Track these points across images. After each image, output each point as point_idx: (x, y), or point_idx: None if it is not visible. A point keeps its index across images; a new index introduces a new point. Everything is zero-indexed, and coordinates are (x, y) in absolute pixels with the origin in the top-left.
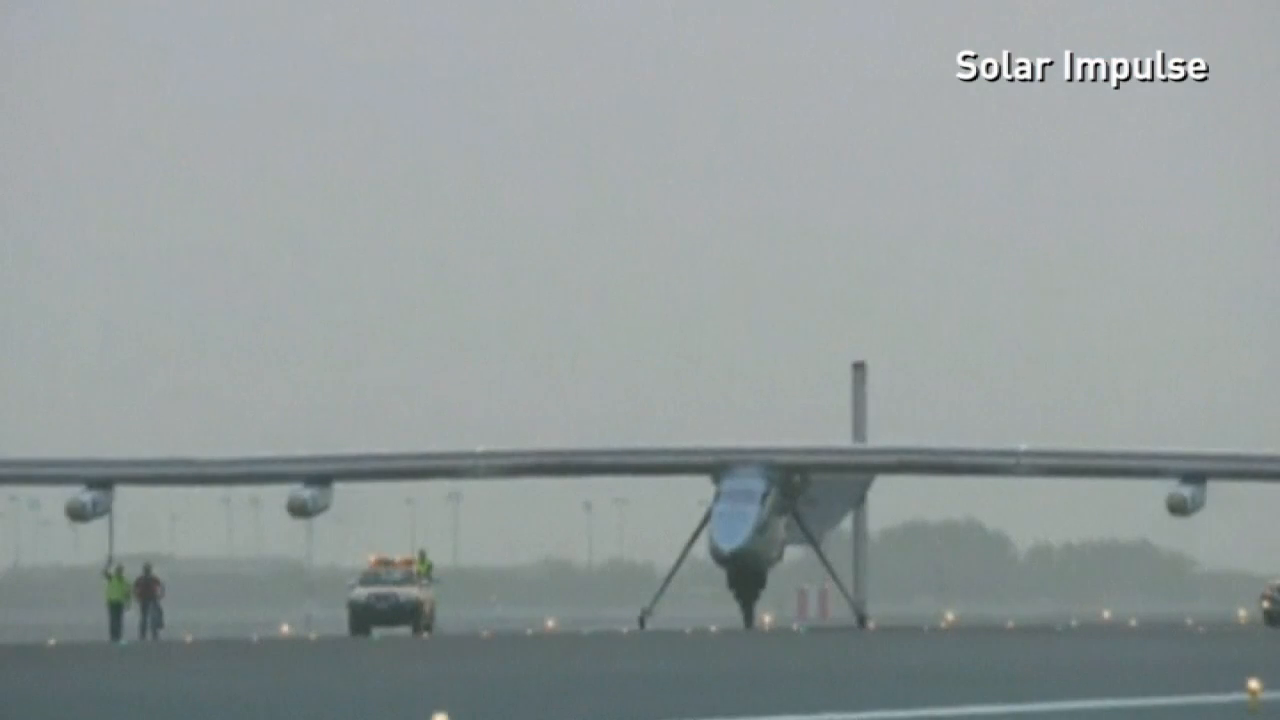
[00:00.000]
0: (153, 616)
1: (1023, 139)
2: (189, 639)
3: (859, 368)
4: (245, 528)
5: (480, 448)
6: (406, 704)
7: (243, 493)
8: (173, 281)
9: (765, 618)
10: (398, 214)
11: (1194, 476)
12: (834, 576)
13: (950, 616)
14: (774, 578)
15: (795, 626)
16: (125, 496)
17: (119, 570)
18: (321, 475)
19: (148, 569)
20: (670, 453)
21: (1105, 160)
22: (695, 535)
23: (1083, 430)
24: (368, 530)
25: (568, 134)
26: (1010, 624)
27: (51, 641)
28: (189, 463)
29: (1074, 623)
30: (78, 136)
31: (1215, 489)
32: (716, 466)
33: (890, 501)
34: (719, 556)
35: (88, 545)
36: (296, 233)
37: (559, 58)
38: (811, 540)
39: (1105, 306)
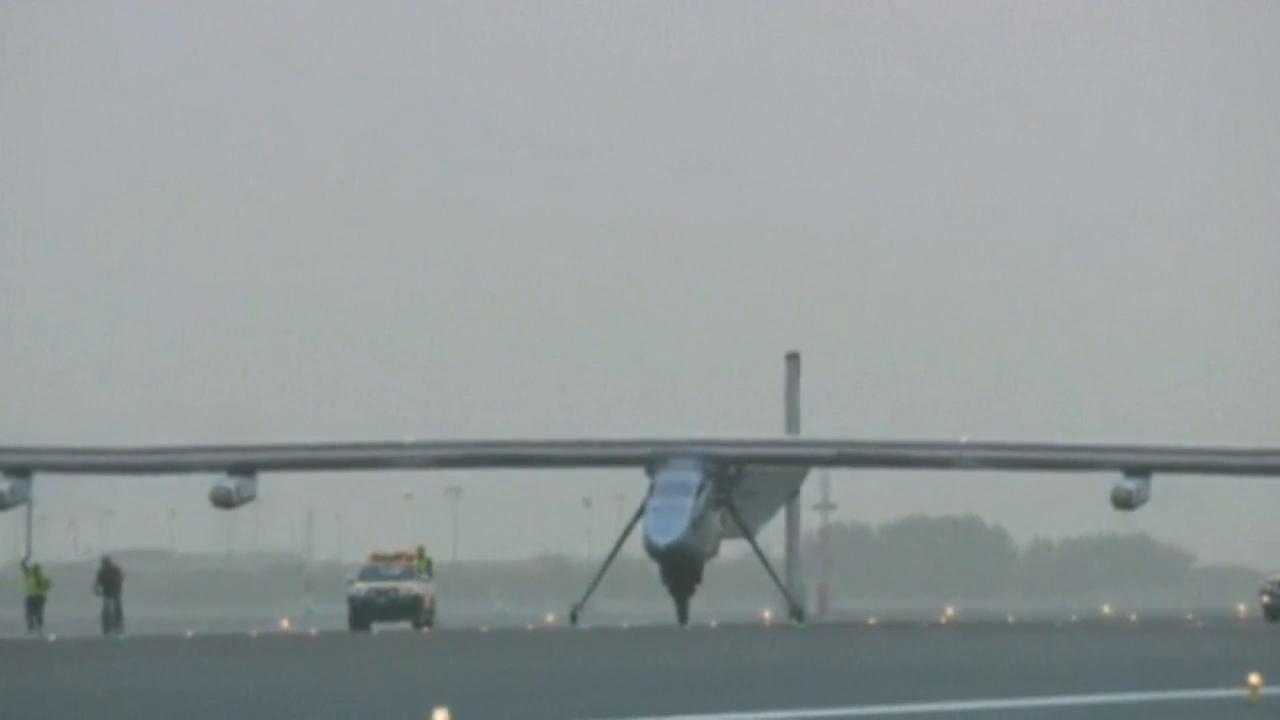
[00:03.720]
0: (114, 610)
1: (954, 125)
2: (189, 634)
3: (792, 358)
4: (245, 524)
5: (409, 438)
6: (407, 700)
7: None
8: (94, 268)
9: (765, 614)
10: (328, 201)
11: (1139, 469)
12: (770, 570)
13: (950, 612)
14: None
15: (794, 623)
16: (124, 493)
17: (36, 565)
18: (245, 465)
19: (107, 560)
20: (603, 444)
21: (1042, 145)
22: (628, 529)
23: (1023, 422)
24: (367, 526)
25: (502, 124)
26: (1010, 619)
27: (52, 637)
28: (110, 451)
29: (1074, 618)
30: None
31: (1214, 484)
32: (651, 459)
33: (890, 497)
34: (653, 551)
35: (86, 541)
36: (220, 220)
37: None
38: (747, 534)
39: (1046, 296)
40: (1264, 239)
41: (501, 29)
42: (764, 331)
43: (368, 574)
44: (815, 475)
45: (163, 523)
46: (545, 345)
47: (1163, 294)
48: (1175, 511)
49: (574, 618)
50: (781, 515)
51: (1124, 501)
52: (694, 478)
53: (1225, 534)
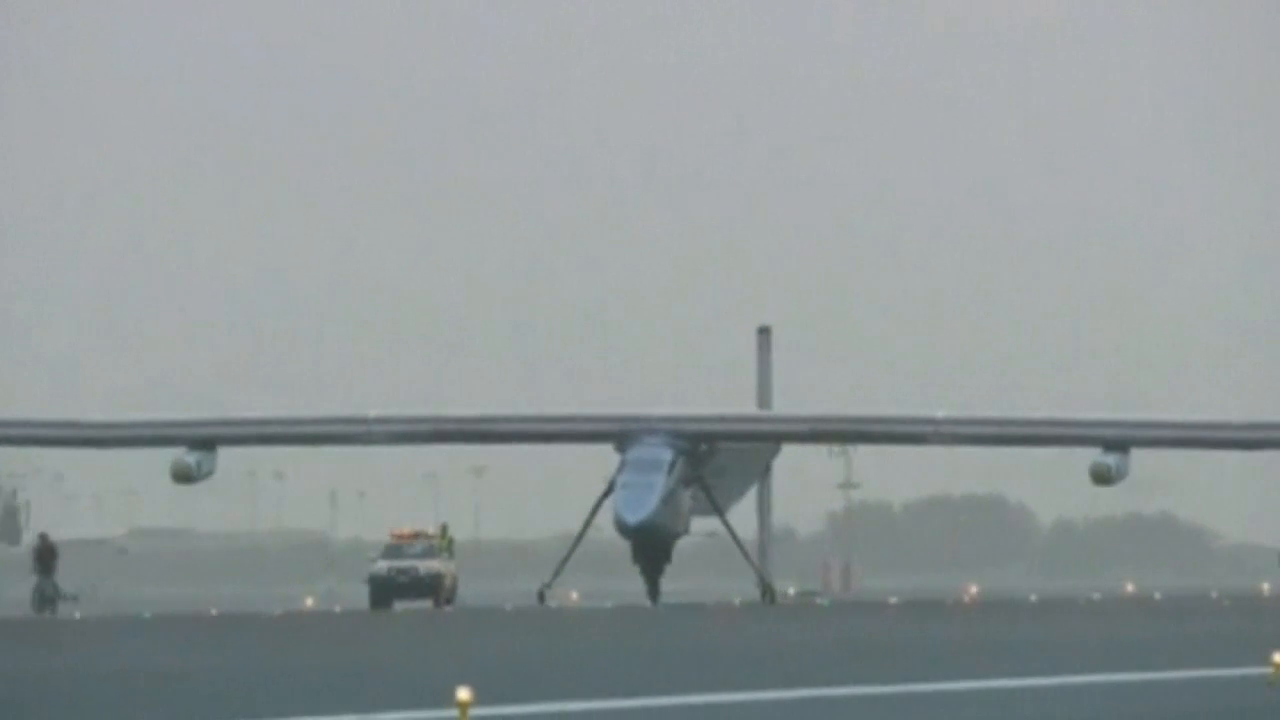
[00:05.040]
0: (49, 588)
1: (924, 96)
2: (213, 612)
3: (764, 332)
4: (267, 502)
5: (373, 413)
6: (429, 677)
7: (266, 466)
8: (59, 240)
9: (790, 590)
10: (293, 177)
11: (1117, 444)
12: (741, 548)
13: (973, 590)
14: (793, 550)
15: (819, 600)
16: (141, 472)
17: None
18: (206, 439)
19: (44, 537)
20: (572, 420)
21: (1015, 121)
22: (597, 506)
23: (999, 397)
24: (390, 504)
25: (465, 102)
26: (1033, 598)
27: (77, 615)
28: (70, 424)
29: (1097, 596)
30: None
31: (1238, 462)
32: (620, 435)
33: (913, 476)
34: (623, 529)
35: (111, 518)
36: (186, 193)
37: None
38: (718, 511)
39: (1023, 271)
40: (1244, 211)
41: (477, 18)
42: (735, 305)
43: (389, 552)
44: (839, 455)
45: (185, 500)
46: (512, 319)
47: (1141, 268)
48: (1199, 489)
49: (541, 597)
50: (819, 500)
51: (1103, 477)
52: (665, 454)
53: (1249, 512)
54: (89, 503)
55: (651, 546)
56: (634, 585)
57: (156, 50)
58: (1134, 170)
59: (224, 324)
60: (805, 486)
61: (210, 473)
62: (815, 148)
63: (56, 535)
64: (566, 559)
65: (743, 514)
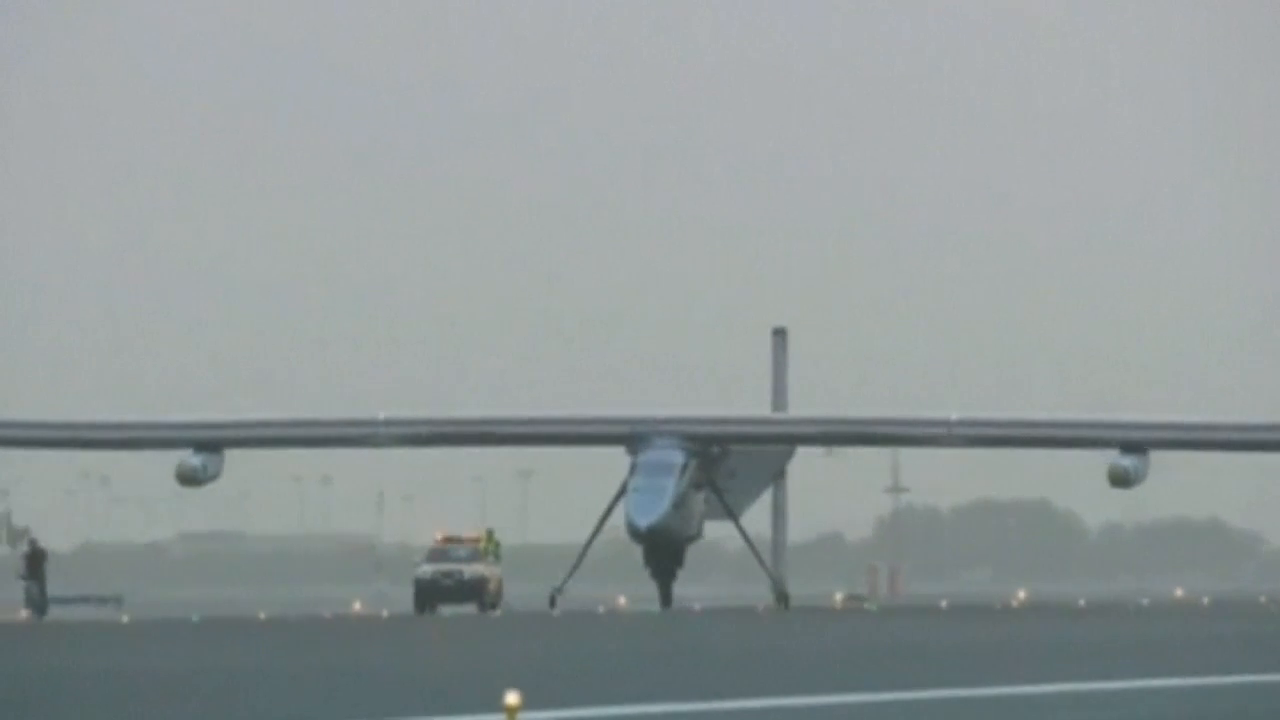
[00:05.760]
0: (39, 593)
1: (941, 100)
2: (261, 616)
3: (779, 334)
4: (315, 506)
5: (382, 414)
6: (477, 682)
7: (315, 469)
8: (59, 240)
9: (837, 595)
10: (297, 177)
11: (1135, 446)
12: (755, 553)
13: (1021, 595)
14: (841, 555)
15: (866, 605)
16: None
17: None
18: (211, 442)
19: (34, 542)
20: (582, 422)
21: (1029, 119)
22: (609, 510)
23: (1015, 398)
24: (437, 508)
25: (473, 102)
26: (1081, 602)
27: (125, 619)
28: (70, 426)
29: (1145, 601)
30: None
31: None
32: (631, 437)
33: (960, 480)
34: (634, 533)
35: (159, 522)
36: (189, 193)
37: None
38: (731, 515)
39: (1038, 272)
40: (1260, 211)
41: (489, 16)
42: (751, 306)
43: (434, 556)
44: (886, 460)
45: (235, 504)
46: (524, 320)
47: (1156, 269)
48: (1247, 493)
49: (553, 602)
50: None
51: (1121, 479)
52: (676, 457)
53: None
54: (137, 506)
55: (662, 551)
56: (713, 590)
57: (157, 50)
58: (1151, 169)
59: (227, 325)
60: (853, 491)
61: (216, 475)
62: (832, 149)
63: (102, 538)
64: (578, 563)
65: (755, 518)
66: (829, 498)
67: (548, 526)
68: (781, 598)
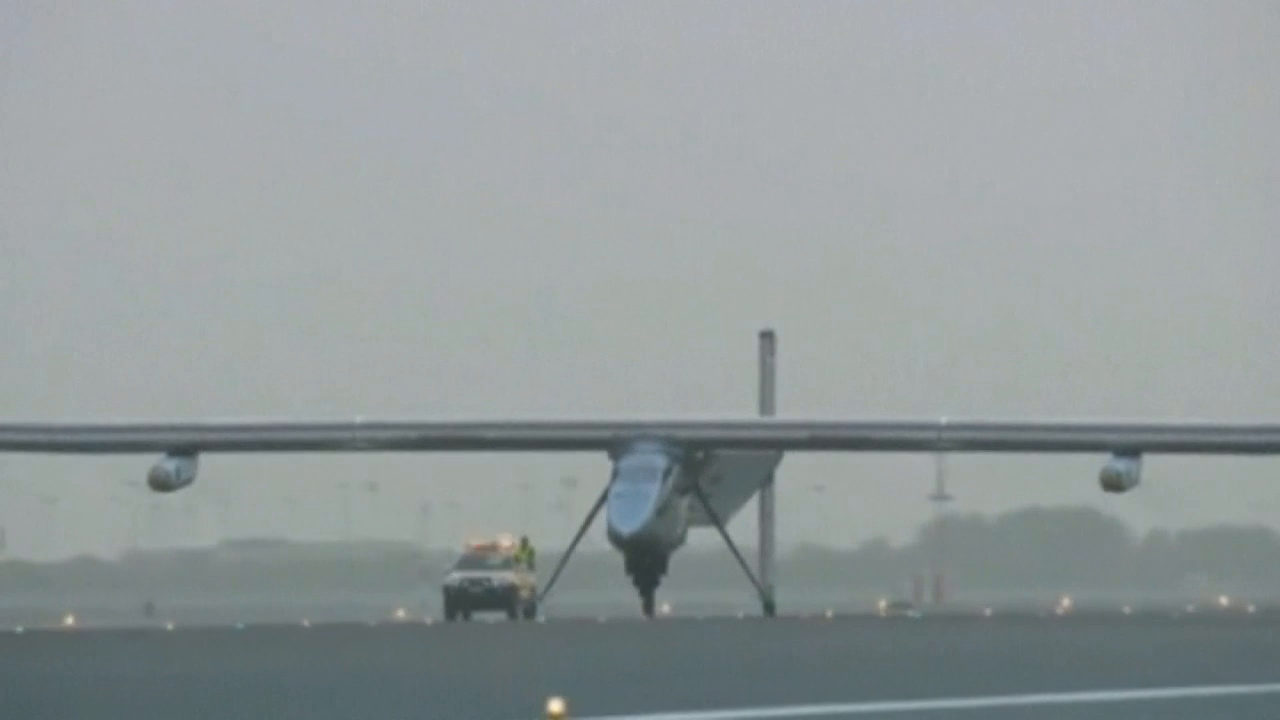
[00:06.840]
0: None
1: (931, 100)
2: (306, 623)
3: (767, 336)
4: (359, 512)
5: (359, 419)
6: (519, 690)
7: (359, 476)
8: (36, 244)
9: (881, 603)
10: (279, 177)
11: (1128, 450)
12: (740, 561)
13: (1066, 603)
14: (885, 562)
15: (910, 613)
16: (234, 479)
17: None
18: (186, 446)
19: None
20: (564, 426)
21: (1020, 120)
22: (591, 516)
23: (1006, 403)
24: (482, 516)
25: (459, 103)
26: (1126, 610)
27: (169, 626)
28: (44, 429)
29: (1191, 609)
30: None
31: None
32: (613, 442)
33: (1005, 488)
34: (616, 539)
35: (204, 528)
36: (164, 197)
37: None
38: (716, 521)
39: (1028, 275)
40: (1257, 213)
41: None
42: (737, 308)
43: (464, 563)
44: (931, 467)
45: (278, 510)
46: (503, 322)
47: (1149, 271)
48: None
49: (533, 610)
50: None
51: (1113, 484)
52: (659, 462)
53: None
54: (181, 514)
55: (645, 558)
56: (704, 597)
57: (150, 49)
58: (1145, 172)
59: (204, 327)
60: (897, 498)
61: (190, 480)
62: (819, 150)
63: (147, 545)
64: (559, 570)
65: (743, 524)
66: (872, 504)
67: (591, 534)
68: (768, 607)
